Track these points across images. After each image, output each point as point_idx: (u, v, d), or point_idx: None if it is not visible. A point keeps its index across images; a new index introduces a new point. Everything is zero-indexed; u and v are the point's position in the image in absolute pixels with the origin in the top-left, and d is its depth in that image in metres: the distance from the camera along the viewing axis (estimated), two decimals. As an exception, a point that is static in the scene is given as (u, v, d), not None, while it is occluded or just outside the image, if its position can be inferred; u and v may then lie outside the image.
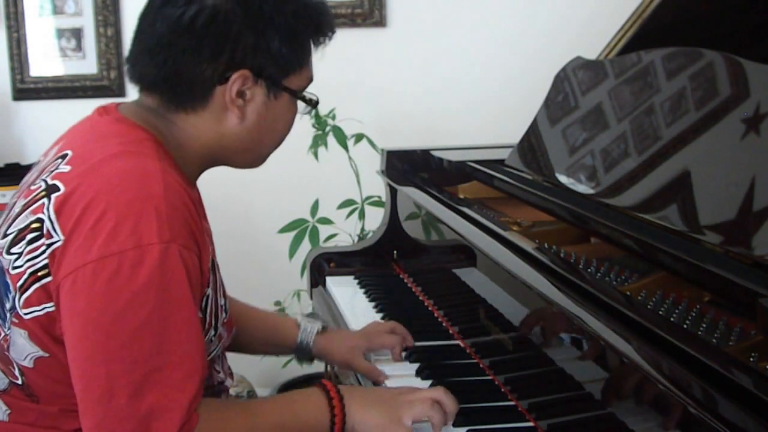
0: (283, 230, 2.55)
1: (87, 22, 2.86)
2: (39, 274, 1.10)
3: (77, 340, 1.07)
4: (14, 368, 1.17)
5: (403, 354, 1.54)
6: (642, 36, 1.78)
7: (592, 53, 1.80)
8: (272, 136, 1.28)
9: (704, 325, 1.06)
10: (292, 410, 1.21)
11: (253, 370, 2.74)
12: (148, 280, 1.05)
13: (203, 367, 1.11)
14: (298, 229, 2.53)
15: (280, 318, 1.63)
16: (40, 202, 1.13)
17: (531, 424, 1.27)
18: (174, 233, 1.07)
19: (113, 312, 1.04)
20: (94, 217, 1.06)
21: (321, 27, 1.27)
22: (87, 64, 2.89)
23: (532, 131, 1.74)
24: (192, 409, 1.07)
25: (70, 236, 1.08)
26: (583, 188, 1.49)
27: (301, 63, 1.25)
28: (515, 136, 1.79)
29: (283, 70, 1.23)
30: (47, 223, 1.10)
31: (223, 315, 1.28)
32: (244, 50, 1.19)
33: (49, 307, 1.11)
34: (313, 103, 1.30)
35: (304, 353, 1.56)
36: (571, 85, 1.73)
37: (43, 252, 1.10)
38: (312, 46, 1.27)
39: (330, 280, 2.01)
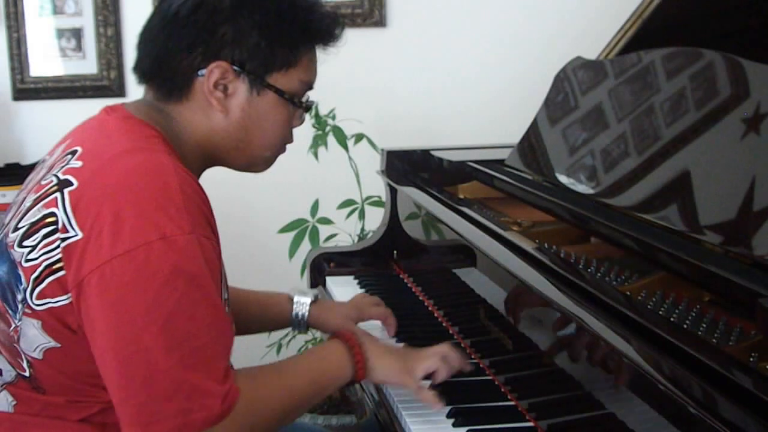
0: (283, 230, 2.54)
1: (87, 22, 2.85)
2: (54, 267, 1.11)
3: (111, 332, 1.07)
4: (22, 360, 1.18)
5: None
6: (642, 36, 1.78)
7: (592, 53, 1.80)
8: (261, 135, 1.28)
9: (704, 325, 1.06)
10: (321, 366, 1.29)
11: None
12: (175, 268, 1.07)
13: (232, 344, 1.16)
14: (298, 229, 2.53)
15: (272, 295, 1.66)
16: (52, 197, 1.14)
17: (531, 424, 1.27)
18: (194, 223, 1.10)
19: (145, 302, 1.06)
20: (114, 213, 1.08)
21: (308, 29, 1.26)
22: (87, 64, 2.89)
23: (532, 131, 1.74)
24: (230, 381, 1.10)
25: (91, 233, 1.08)
26: (583, 188, 1.49)
27: (288, 63, 1.25)
28: (515, 136, 1.79)
29: (264, 67, 1.24)
30: (63, 219, 1.11)
31: (227, 309, 1.29)
32: (221, 42, 1.21)
33: (63, 299, 1.12)
34: (301, 105, 1.30)
35: (299, 325, 1.62)
36: (571, 85, 1.73)
37: (58, 246, 1.11)
38: (304, 48, 1.27)
39: (330, 280, 2.01)
